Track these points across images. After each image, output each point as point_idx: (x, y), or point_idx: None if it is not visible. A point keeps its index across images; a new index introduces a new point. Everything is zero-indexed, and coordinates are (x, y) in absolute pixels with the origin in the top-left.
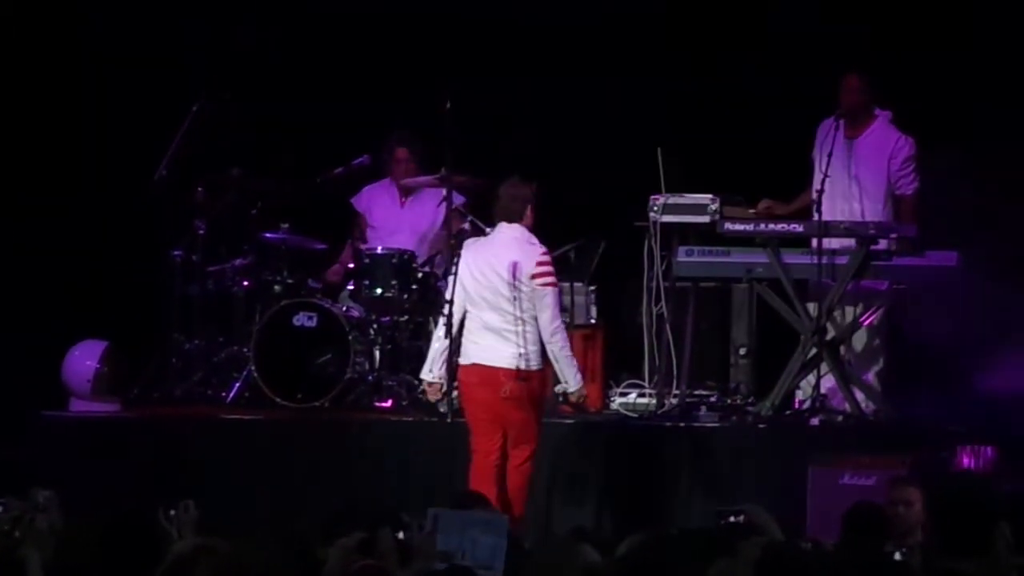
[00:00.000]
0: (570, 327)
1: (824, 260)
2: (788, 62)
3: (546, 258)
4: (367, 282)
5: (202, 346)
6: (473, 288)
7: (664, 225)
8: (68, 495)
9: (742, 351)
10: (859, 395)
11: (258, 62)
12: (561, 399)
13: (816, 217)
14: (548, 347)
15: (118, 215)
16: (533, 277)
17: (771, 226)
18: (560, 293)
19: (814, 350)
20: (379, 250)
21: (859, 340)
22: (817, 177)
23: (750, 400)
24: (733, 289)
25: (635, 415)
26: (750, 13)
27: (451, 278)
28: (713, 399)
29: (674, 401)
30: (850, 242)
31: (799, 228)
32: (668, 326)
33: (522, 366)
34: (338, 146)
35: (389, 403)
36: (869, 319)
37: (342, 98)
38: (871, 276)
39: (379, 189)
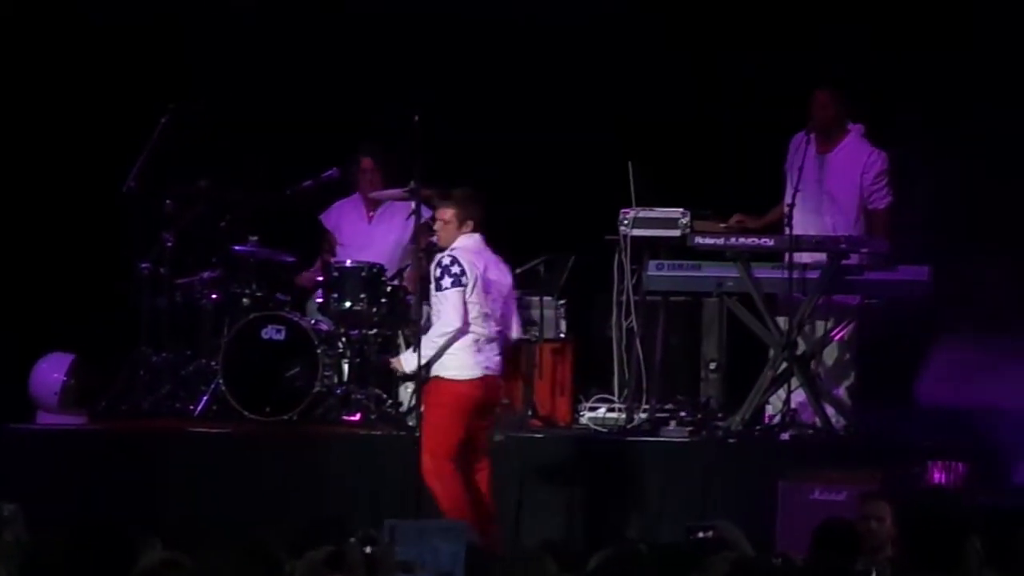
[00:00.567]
0: (540, 341)
1: (795, 274)
2: (759, 75)
3: None
4: (336, 295)
5: (170, 359)
6: (488, 299)
7: (634, 239)
8: (34, 508)
9: (712, 366)
10: (829, 410)
11: (228, 73)
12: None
13: (787, 231)
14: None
15: (86, 227)
16: None
17: (742, 240)
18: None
19: (784, 365)
20: (348, 263)
21: (830, 355)
22: (789, 191)
23: (720, 415)
24: (703, 303)
25: (604, 430)
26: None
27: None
28: (683, 414)
29: (644, 416)
30: (821, 257)
31: (770, 242)
32: (638, 340)
33: None
34: (308, 159)
35: (358, 417)
36: (840, 334)
37: (312, 111)
38: (842, 291)
39: (348, 205)
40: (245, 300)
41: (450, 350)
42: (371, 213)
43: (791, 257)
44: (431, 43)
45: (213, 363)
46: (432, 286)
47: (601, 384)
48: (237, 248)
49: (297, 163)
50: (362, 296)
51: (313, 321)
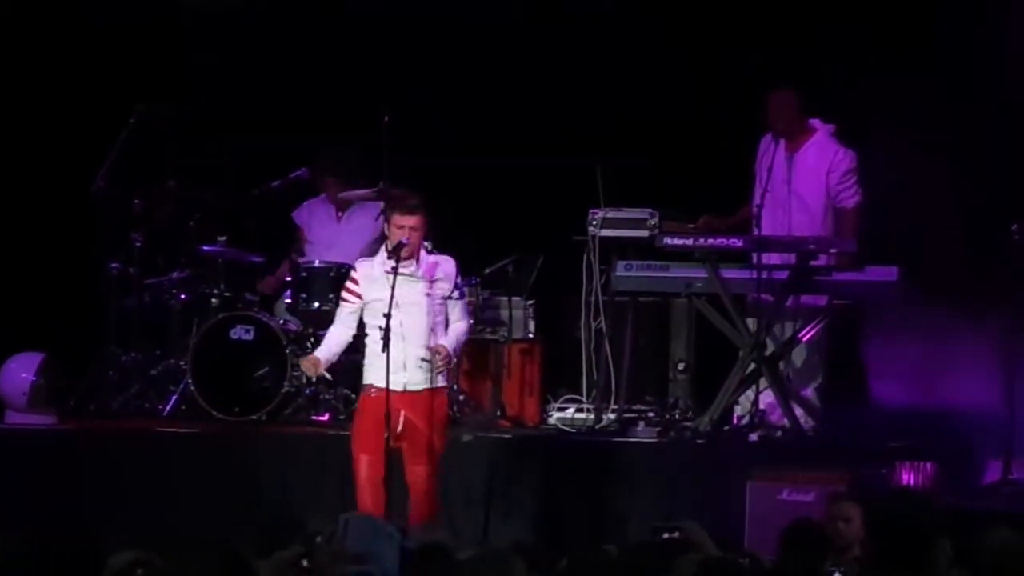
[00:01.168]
0: (508, 342)
1: (763, 275)
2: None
3: None
4: (304, 295)
5: (139, 359)
6: None
7: (603, 239)
8: (3, 508)
9: (681, 366)
10: (798, 411)
11: (196, 73)
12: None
13: (755, 232)
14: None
15: (55, 226)
16: None
17: (710, 241)
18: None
19: (753, 365)
20: (316, 263)
21: (798, 356)
22: (757, 192)
23: (688, 415)
24: (672, 304)
25: (573, 430)
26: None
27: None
28: (651, 414)
29: (612, 416)
30: (790, 257)
31: (738, 243)
32: (607, 341)
33: None
34: (276, 159)
35: (326, 417)
36: (808, 334)
37: (281, 111)
38: (810, 291)
39: (317, 203)
40: (214, 300)
41: None
42: (340, 213)
43: (759, 258)
44: (400, 42)
45: (182, 363)
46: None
47: (570, 384)
48: (206, 248)
49: (266, 163)
50: (331, 296)
51: (282, 321)
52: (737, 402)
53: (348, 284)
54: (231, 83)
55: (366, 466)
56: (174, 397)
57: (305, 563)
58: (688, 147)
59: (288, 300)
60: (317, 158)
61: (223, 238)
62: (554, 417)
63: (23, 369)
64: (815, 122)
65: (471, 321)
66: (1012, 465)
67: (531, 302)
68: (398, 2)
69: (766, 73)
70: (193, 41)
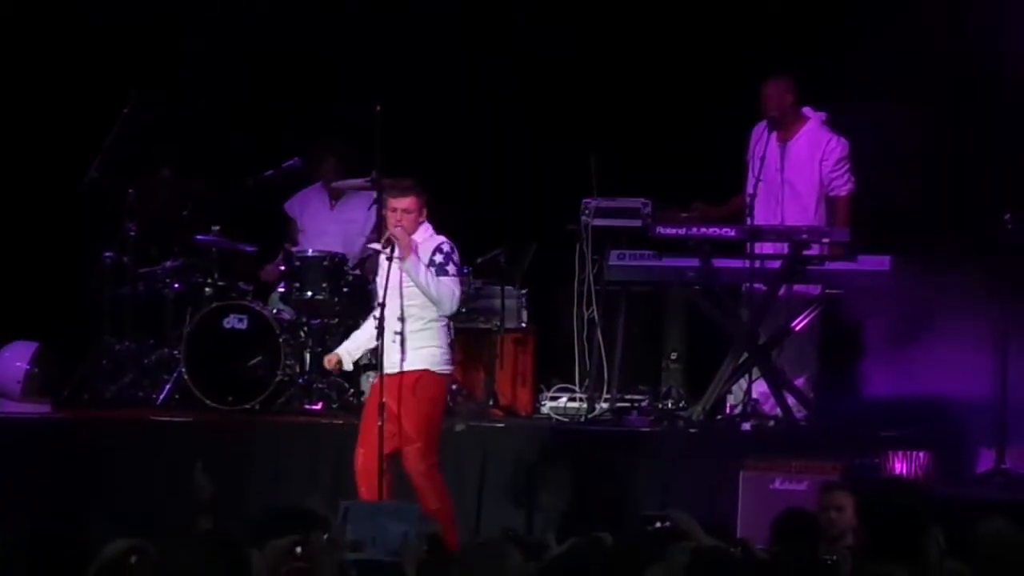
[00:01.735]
0: (501, 331)
1: (756, 265)
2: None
3: None
4: (298, 285)
5: (133, 348)
6: None
7: (596, 229)
8: None
9: (673, 356)
10: (790, 400)
11: (189, 63)
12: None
13: (748, 221)
14: None
15: (49, 216)
16: None
17: (703, 230)
18: None
19: (745, 355)
20: (310, 253)
21: (791, 345)
22: (750, 181)
23: (681, 405)
24: (665, 293)
25: (566, 419)
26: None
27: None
28: (644, 404)
29: (605, 406)
30: (782, 246)
31: (731, 233)
32: (599, 330)
33: None
34: (270, 149)
35: (319, 406)
36: (801, 324)
37: (274, 100)
38: (803, 281)
39: (310, 193)
40: (207, 289)
41: (439, 343)
42: (334, 202)
43: (752, 247)
44: (392, 30)
45: (175, 352)
46: (428, 268)
47: (563, 374)
48: (199, 237)
49: (259, 153)
50: (324, 286)
51: (275, 310)
52: (730, 391)
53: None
54: (223, 72)
55: (360, 458)
56: (168, 386)
57: (299, 551)
58: (681, 136)
59: (282, 289)
60: (315, 142)
61: (217, 228)
62: (547, 406)
63: (17, 358)
64: (807, 110)
65: (455, 292)
66: (1005, 454)
67: (524, 291)
68: None
69: (758, 60)
70: (186, 30)
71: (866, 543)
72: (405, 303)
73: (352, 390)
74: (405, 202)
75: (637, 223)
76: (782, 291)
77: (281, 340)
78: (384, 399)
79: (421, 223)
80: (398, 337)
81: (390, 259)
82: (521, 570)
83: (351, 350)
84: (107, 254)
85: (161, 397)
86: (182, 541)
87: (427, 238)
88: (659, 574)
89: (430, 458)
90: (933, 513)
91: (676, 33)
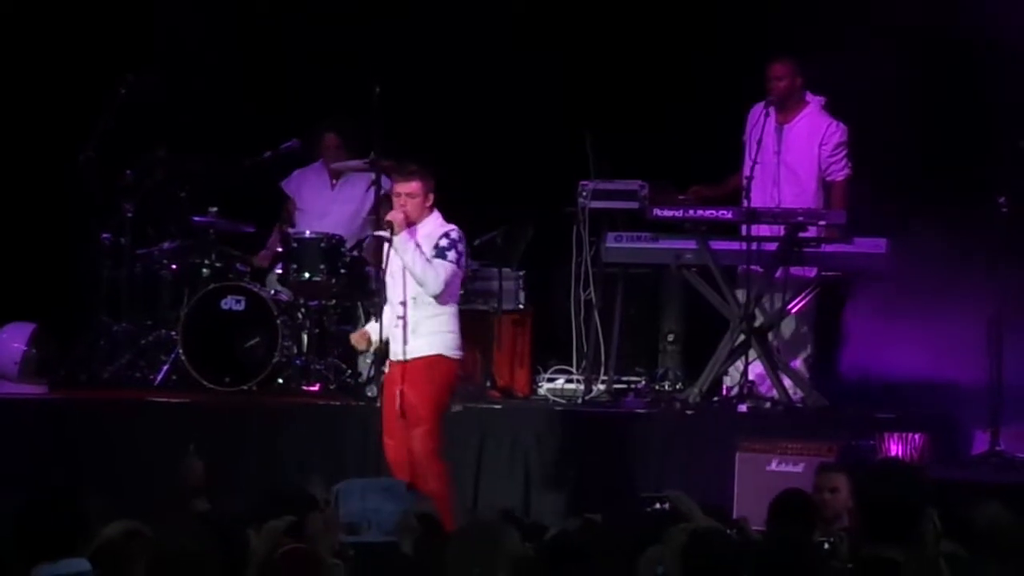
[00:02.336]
0: (499, 312)
1: (753, 247)
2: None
3: None
4: (295, 266)
5: (130, 329)
6: None
7: (592, 211)
8: None
9: (670, 337)
10: (787, 382)
11: (187, 44)
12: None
13: (745, 204)
14: None
15: (46, 197)
16: None
17: (700, 212)
18: None
19: (742, 337)
20: (307, 234)
21: (787, 327)
22: (747, 164)
23: (678, 386)
24: (662, 275)
25: (563, 401)
26: None
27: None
28: (641, 385)
29: (602, 387)
30: (779, 229)
31: (728, 215)
32: (596, 312)
33: None
34: (268, 129)
35: (317, 387)
36: (797, 306)
37: (272, 81)
38: (800, 263)
39: (309, 173)
40: (205, 270)
41: (451, 328)
42: (334, 182)
43: (749, 229)
44: (391, 10)
45: (173, 333)
46: (421, 252)
47: (560, 355)
48: (197, 219)
49: (257, 134)
50: (322, 267)
51: (273, 292)
52: (726, 373)
53: None
54: (220, 52)
55: (390, 451)
56: (165, 367)
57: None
58: (679, 117)
59: (279, 271)
60: (317, 120)
61: (214, 208)
62: (544, 388)
63: (14, 339)
64: (807, 94)
65: (441, 275)
66: (1000, 436)
67: (521, 273)
68: None
69: (758, 40)
70: (182, 9)
71: (861, 525)
72: (409, 290)
73: (349, 371)
74: (409, 186)
75: (634, 205)
76: (779, 273)
77: (279, 321)
78: (396, 386)
79: (429, 208)
80: (400, 322)
81: (388, 242)
82: (518, 550)
83: (376, 329)
84: (104, 235)
85: (158, 378)
86: (179, 522)
87: (437, 226)
88: (656, 555)
89: (433, 441)
90: (928, 495)
91: (674, 12)
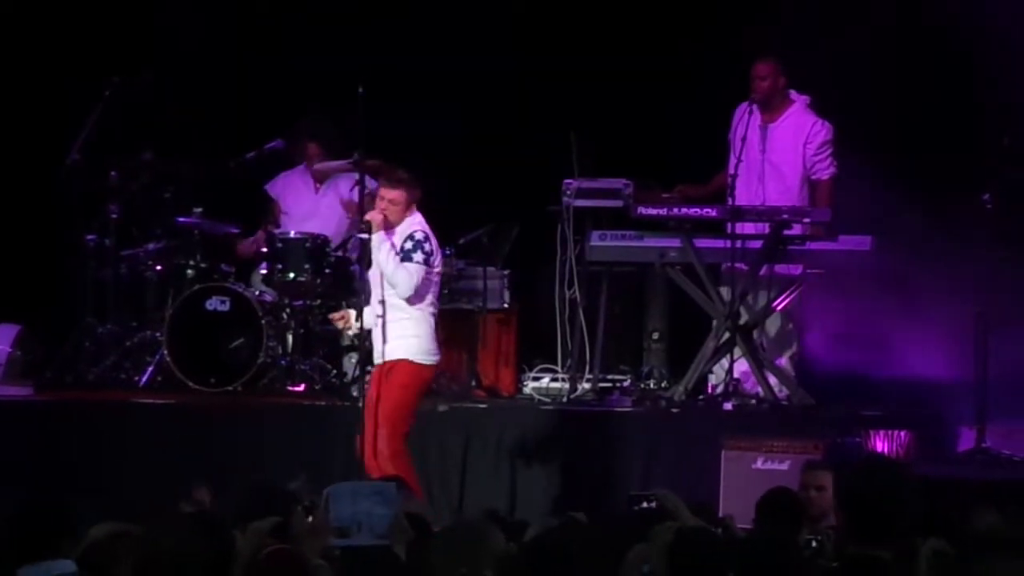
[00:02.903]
0: (484, 311)
1: (738, 245)
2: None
3: None
4: (280, 266)
5: (115, 330)
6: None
7: (577, 209)
8: None
9: (655, 335)
10: (772, 380)
11: (173, 44)
12: None
13: (730, 202)
14: None
15: (31, 199)
16: None
17: (684, 211)
18: None
19: (727, 335)
20: (292, 234)
21: (772, 325)
22: (732, 162)
23: (663, 385)
24: (646, 273)
25: (548, 400)
26: None
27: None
28: (626, 384)
29: (587, 386)
30: (764, 227)
31: (712, 213)
32: (581, 311)
33: None
34: (252, 130)
35: (302, 387)
36: (782, 304)
37: (256, 81)
38: (784, 261)
39: (294, 175)
40: (190, 271)
41: (418, 333)
42: (318, 186)
43: (734, 227)
44: (376, 11)
45: (158, 334)
46: (394, 254)
47: (545, 354)
48: (181, 220)
49: (241, 134)
50: (306, 267)
51: (257, 292)
52: (712, 371)
53: None
54: (205, 54)
55: (361, 449)
56: (150, 368)
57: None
58: (663, 116)
59: (264, 271)
60: (297, 126)
61: (199, 209)
62: (529, 387)
63: (0, 341)
64: (792, 93)
65: (412, 277)
66: (986, 433)
67: (506, 272)
68: None
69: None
70: (167, 11)
71: (846, 523)
72: (386, 290)
73: (334, 371)
74: (393, 194)
75: (619, 203)
76: (764, 271)
77: (263, 322)
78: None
79: (408, 215)
80: (379, 321)
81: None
82: (502, 550)
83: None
84: (89, 236)
85: (144, 379)
86: (166, 523)
87: (407, 226)
88: (642, 553)
89: (394, 444)
90: (914, 491)
91: (661, 10)
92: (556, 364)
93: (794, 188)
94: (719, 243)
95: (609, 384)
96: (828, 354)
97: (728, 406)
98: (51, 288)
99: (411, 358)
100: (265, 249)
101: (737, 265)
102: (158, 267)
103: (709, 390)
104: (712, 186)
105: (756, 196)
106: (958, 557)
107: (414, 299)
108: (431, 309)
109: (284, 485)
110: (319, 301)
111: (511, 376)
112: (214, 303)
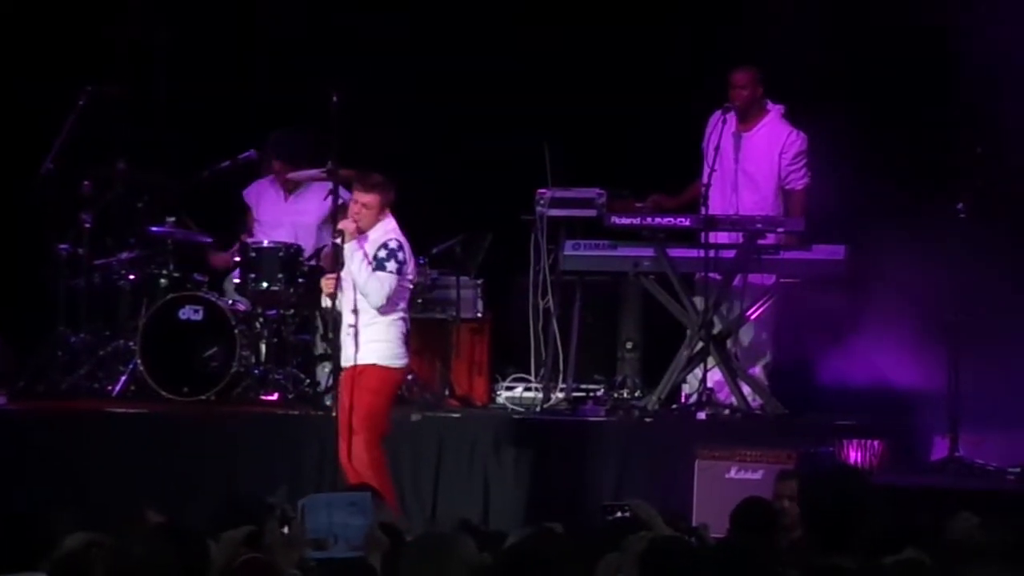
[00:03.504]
0: (457, 321)
1: (711, 254)
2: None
3: None
4: (253, 275)
5: (88, 339)
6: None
7: (551, 219)
8: None
9: (629, 345)
10: (746, 389)
11: (145, 53)
12: None
13: (703, 211)
14: None
15: (4, 208)
16: None
17: (657, 220)
18: None
19: (701, 344)
20: (265, 244)
21: (746, 334)
22: (705, 171)
23: (637, 394)
24: (620, 283)
25: (521, 409)
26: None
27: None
28: (600, 393)
29: (561, 395)
30: (737, 236)
31: (686, 222)
32: (555, 320)
33: None
34: (225, 140)
35: (275, 396)
36: (756, 313)
37: (229, 90)
38: (758, 270)
39: (265, 184)
40: (163, 281)
41: (387, 338)
42: (287, 194)
43: (707, 236)
44: (349, 20)
45: (131, 343)
46: (367, 264)
47: (518, 364)
48: (154, 229)
49: (215, 144)
50: (280, 276)
51: (231, 301)
52: (685, 380)
53: None
54: (180, 63)
55: (340, 455)
56: (123, 377)
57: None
58: (637, 124)
59: (237, 280)
60: (264, 142)
61: (172, 219)
62: (502, 396)
63: None
64: (767, 102)
65: (384, 286)
66: (959, 442)
67: (480, 281)
68: None
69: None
70: (143, 21)
71: (811, 532)
72: (358, 296)
73: (308, 380)
74: (367, 198)
75: (592, 213)
76: (737, 280)
77: (237, 331)
78: (343, 392)
79: (381, 220)
80: (352, 330)
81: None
82: (474, 560)
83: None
84: (62, 246)
85: (117, 388)
86: (138, 533)
87: (382, 234)
88: (614, 563)
89: (373, 451)
90: (874, 499)
91: (631, 20)
92: (529, 373)
93: (768, 197)
94: (693, 252)
95: (582, 393)
96: (801, 363)
97: (701, 415)
98: (24, 297)
99: (380, 362)
100: (239, 258)
101: (711, 274)
102: (131, 276)
103: (683, 399)
104: (686, 196)
105: (730, 205)
106: (935, 566)
107: (386, 307)
108: (401, 315)
109: (264, 497)
110: (292, 311)
111: (484, 385)
112: (187, 312)
